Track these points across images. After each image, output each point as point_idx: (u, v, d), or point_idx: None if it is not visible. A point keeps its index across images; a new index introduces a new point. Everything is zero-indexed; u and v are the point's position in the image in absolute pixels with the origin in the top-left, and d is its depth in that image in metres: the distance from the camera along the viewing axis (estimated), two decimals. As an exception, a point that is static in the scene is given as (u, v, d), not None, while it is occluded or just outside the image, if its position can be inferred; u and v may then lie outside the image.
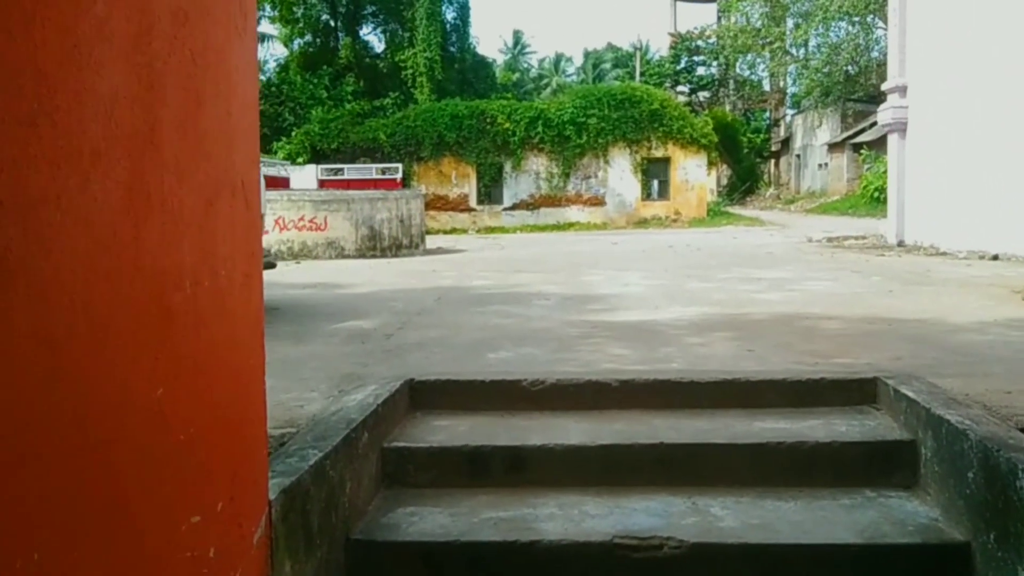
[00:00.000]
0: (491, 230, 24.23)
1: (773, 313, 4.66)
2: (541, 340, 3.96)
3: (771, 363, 3.36)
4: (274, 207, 10.78)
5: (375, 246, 11.39)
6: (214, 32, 1.64)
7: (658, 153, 24.68)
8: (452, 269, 8.59)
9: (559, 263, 9.26)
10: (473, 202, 25.01)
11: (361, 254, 11.19)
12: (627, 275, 7.41)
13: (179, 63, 1.49)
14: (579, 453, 2.64)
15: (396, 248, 11.66)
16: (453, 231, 24.34)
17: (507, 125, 24.43)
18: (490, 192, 25.15)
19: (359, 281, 7.27)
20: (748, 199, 41.40)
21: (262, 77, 36.72)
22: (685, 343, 3.80)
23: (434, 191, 24.81)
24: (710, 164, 26.37)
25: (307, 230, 10.87)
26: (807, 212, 31.64)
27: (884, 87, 10.74)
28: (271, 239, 10.76)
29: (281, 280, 7.36)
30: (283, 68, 35.20)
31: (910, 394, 2.62)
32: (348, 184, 22.80)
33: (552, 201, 24.75)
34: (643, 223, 24.13)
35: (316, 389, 3.14)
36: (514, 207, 24.87)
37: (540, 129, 24.50)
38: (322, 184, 22.75)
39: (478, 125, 24.57)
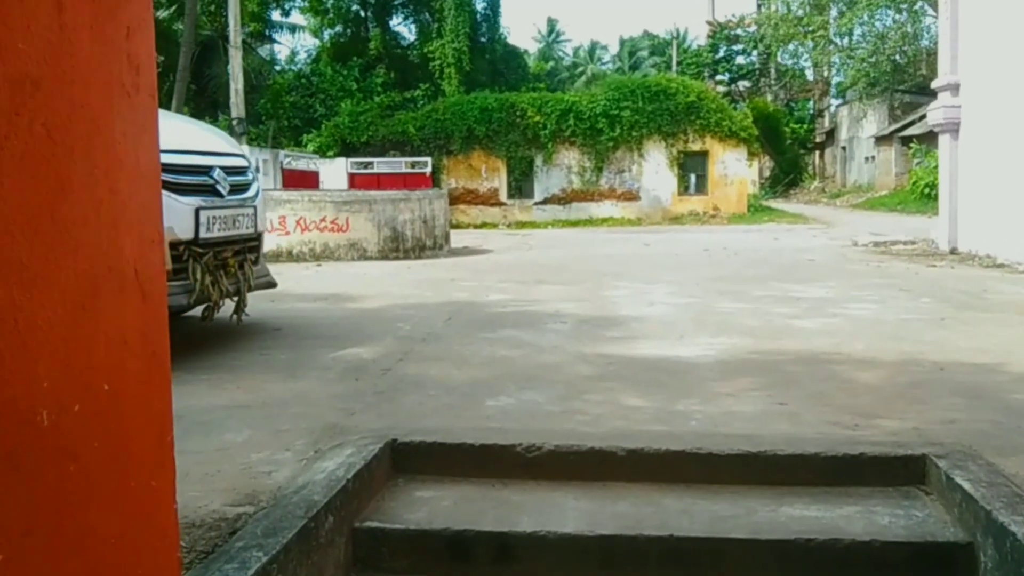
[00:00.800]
0: (522, 225, 23.89)
1: (811, 350, 4.24)
2: (548, 382, 3.61)
3: (804, 422, 2.97)
4: (295, 208, 10.55)
5: (398, 247, 11.10)
6: (85, 98, 1.30)
7: (695, 147, 24.08)
8: (472, 277, 8.25)
9: (584, 271, 8.87)
10: (503, 196, 24.68)
11: (383, 256, 10.91)
12: (654, 290, 7.00)
13: (24, 144, 1.16)
14: (575, 544, 2.28)
15: (419, 250, 11.36)
16: (483, 225, 24.06)
17: (537, 118, 24.02)
18: (521, 186, 24.79)
19: (372, 292, 6.97)
20: (792, 192, 40.49)
21: (293, 67, 36.76)
22: (708, 391, 3.42)
23: (464, 185, 24.55)
24: (751, 156, 25.66)
25: (329, 231, 10.62)
26: (853, 207, 30.78)
27: (934, 85, 10.14)
28: (292, 240, 10.53)
29: (293, 290, 7.09)
30: (314, 59, 35.16)
31: (966, 485, 2.22)
32: (378, 178, 22.64)
33: (584, 196, 24.32)
34: (679, 219, 23.60)
35: (291, 447, 2.83)
36: (545, 202, 24.49)
37: (572, 122, 24.05)
38: (351, 178, 22.61)
39: (508, 118, 24.19)
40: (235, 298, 4.43)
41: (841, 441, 2.70)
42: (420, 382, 3.64)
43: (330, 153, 23.89)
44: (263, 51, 37.10)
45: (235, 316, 4.41)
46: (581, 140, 24.16)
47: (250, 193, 4.61)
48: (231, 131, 21.06)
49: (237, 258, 4.42)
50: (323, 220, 10.61)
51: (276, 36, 37.01)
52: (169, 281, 3.91)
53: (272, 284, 4.92)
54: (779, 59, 41.49)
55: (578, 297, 6.53)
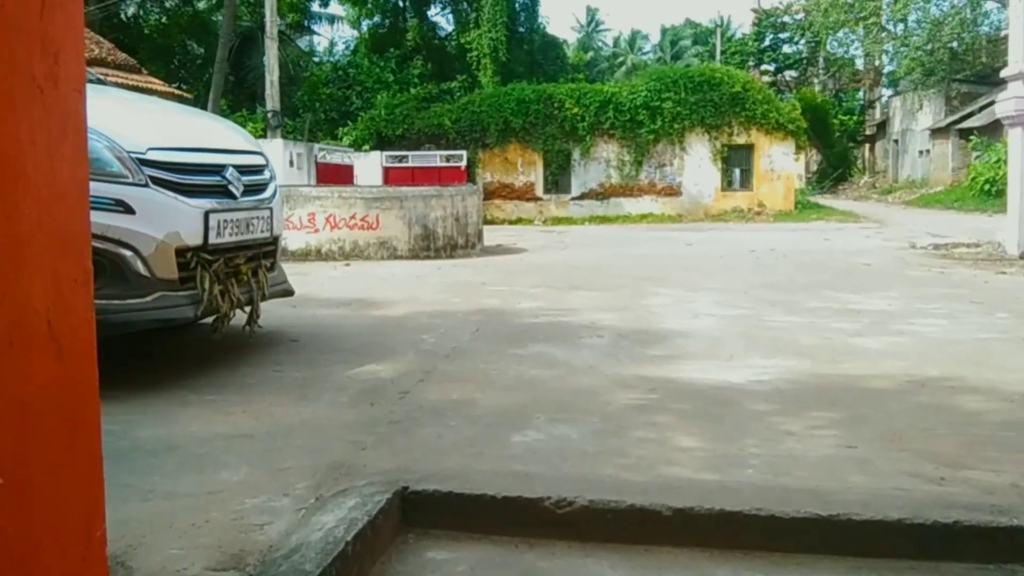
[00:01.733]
0: (558, 221, 23.48)
1: (878, 375, 3.81)
2: (582, 412, 3.24)
3: (879, 472, 2.56)
4: (324, 204, 10.28)
5: (429, 246, 10.79)
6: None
7: (740, 140, 23.42)
8: (503, 280, 7.89)
9: (622, 274, 8.46)
10: (540, 191, 24.29)
11: (414, 255, 10.61)
12: (698, 298, 6.57)
13: None
14: (612, 630, 1.92)
15: (451, 248, 11.04)
16: (519, 221, 23.71)
17: (576, 110, 23.55)
18: (557, 181, 24.37)
19: (399, 298, 6.65)
20: (840, 187, 39.43)
21: (331, 59, 36.66)
22: (765, 428, 3.01)
23: (499, 179, 24.21)
24: (799, 150, 24.89)
25: (358, 229, 10.34)
26: (906, 204, 29.81)
27: (1004, 74, 9.48)
28: (322, 238, 10.27)
29: (317, 294, 6.81)
30: (353, 50, 35.03)
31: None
32: (412, 172, 22.40)
33: (623, 191, 23.82)
34: (722, 216, 23.00)
35: (291, 491, 2.50)
36: (582, 197, 24.04)
37: (611, 114, 23.53)
38: (386, 172, 22.40)
39: (545, 110, 23.76)
40: (248, 308, 4.12)
41: (927, 502, 2.28)
42: (440, 409, 3.29)
43: (365, 147, 23.70)
44: (302, 42, 37.11)
45: (247, 327, 4.11)
46: (620, 133, 23.64)
47: (266, 194, 4.30)
48: (266, 124, 20.96)
49: (250, 265, 4.11)
50: (353, 217, 10.34)
51: (315, 27, 37.00)
52: (175, 291, 3.62)
53: (289, 292, 4.61)
54: (828, 47, 40.34)
55: (616, 306, 6.13)
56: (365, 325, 5.27)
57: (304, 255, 10.25)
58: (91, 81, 4.52)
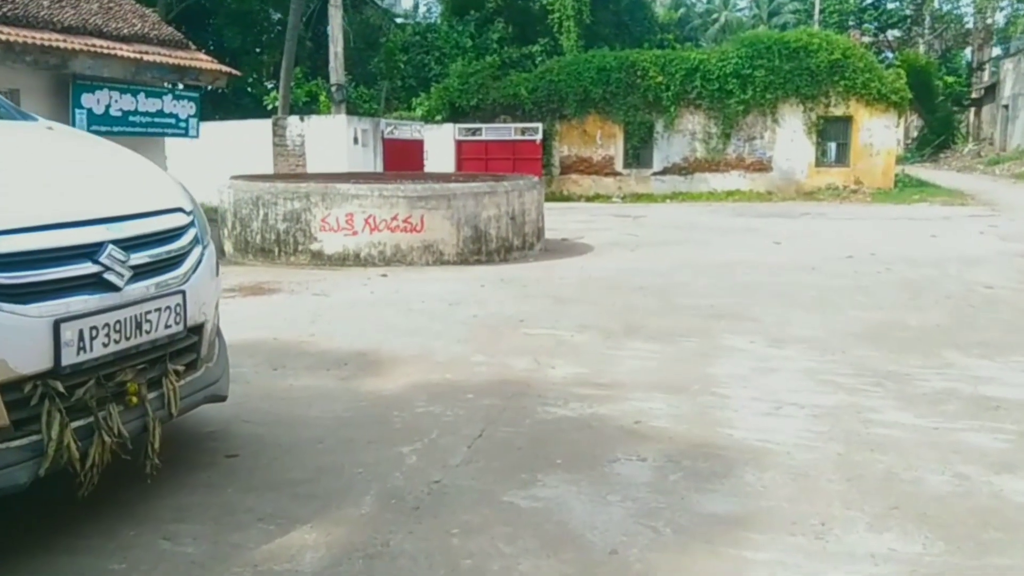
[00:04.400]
0: (638, 197, 21.94)
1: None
2: None
3: None
4: (364, 204, 9.19)
5: (480, 249, 9.58)
6: None
7: (838, 111, 21.24)
8: (547, 314, 6.60)
9: (693, 303, 7.03)
10: (619, 165, 22.74)
11: (463, 259, 9.43)
12: (783, 362, 5.15)
13: None
14: None
15: (505, 251, 9.81)
16: (596, 197, 22.28)
17: (660, 79, 21.77)
18: (639, 154, 22.74)
19: (411, 350, 5.47)
20: (942, 155, 36.19)
21: (411, 21, 35.40)
22: None
23: (577, 153, 22.77)
24: (899, 114, 22.50)
25: (401, 231, 9.22)
26: (1016, 178, 26.89)
27: None
28: (360, 242, 9.20)
29: (317, 342, 5.73)
30: (435, 13, 33.73)
31: None
32: (486, 146, 21.19)
33: (709, 166, 22.02)
34: (814, 194, 20.98)
35: None
36: (664, 172, 22.37)
37: (698, 83, 21.69)
38: (458, 145, 21.28)
39: (627, 79, 22.07)
40: (150, 435, 2.99)
41: None
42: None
43: (438, 118, 22.54)
44: (388, 4, 36.03)
45: (147, 463, 2.98)
46: (708, 103, 21.77)
47: (179, 270, 3.15)
48: (329, 98, 20.02)
49: (147, 377, 2.99)
50: (395, 219, 9.20)
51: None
52: (4, 441, 2.53)
53: (219, 397, 3.47)
54: (935, 3, 36.77)
55: (674, 380, 4.78)
56: (340, 419, 4.11)
57: (341, 260, 9.22)
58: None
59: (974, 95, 39.02)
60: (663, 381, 4.77)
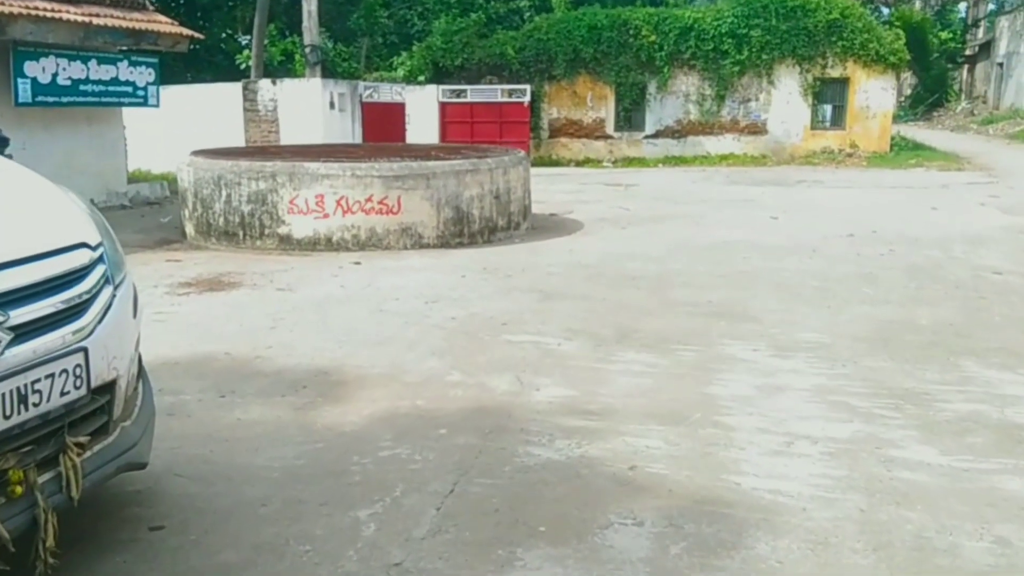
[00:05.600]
0: (629, 161, 21.29)
1: None
2: None
3: None
4: (335, 184, 8.58)
5: (462, 231, 9.02)
6: None
7: (835, 73, 20.56)
8: (533, 314, 6.08)
9: (691, 298, 6.52)
10: (610, 128, 22.02)
11: (443, 242, 8.87)
12: (790, 377, 4.66)
13: None
14: None
15: (489, 233, 9.25)
16: (586, 162, 21.61)
17: (653, 38, 20.97)
18: (630, 117, 22.02)
19: (379, 367, 4.95)
20: (935, 114, 35.51)
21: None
22: None
23: (566, 115, 22.02)
24: (897, 76, 21.82)
25: (376, 213, 8.63)
26: (1010, 139, 26.35)
27: None
28: (332, 225, 8.61)
29: (275, 354, 5.21)
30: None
31: None
32: (471, 108, 20.43)
33: (702, 129, 21.34)
34: (810, 158, 20.38)
35: None
36: (657, 135, 21.68)
37: (692, 43, 20.91)
38: (442, 108, 20.51)
39: (619, 38, 21.24)
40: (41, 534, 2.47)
41: None
42: None
43: (421, 78, 21.67)
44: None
45: (37, 565, 2.46)
46: (702, 64, 21.01)
47: (82, 321, 2.61)
48: (304, 60, 19.09)
49: (37, 456, 2.47)
50: (369, 200, 8.61)
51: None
52: None
53: (138, 465, 2.94)
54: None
55: (672, 407, 4.28)
56: (291, 469, 3.58)
57: (312, 245, 8.64)
58: None
59: (968, 52, 38.18)
60: (660, 407, 4.27)
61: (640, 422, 4.07)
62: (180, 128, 17.36)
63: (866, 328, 5.71)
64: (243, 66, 23.65)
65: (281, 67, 24.79)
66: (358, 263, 8.02)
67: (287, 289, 6.90)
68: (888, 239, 9.15)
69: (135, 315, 3.02)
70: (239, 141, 17.20)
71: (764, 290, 6.81)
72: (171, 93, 18.25)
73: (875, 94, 20.31)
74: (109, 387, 2.75)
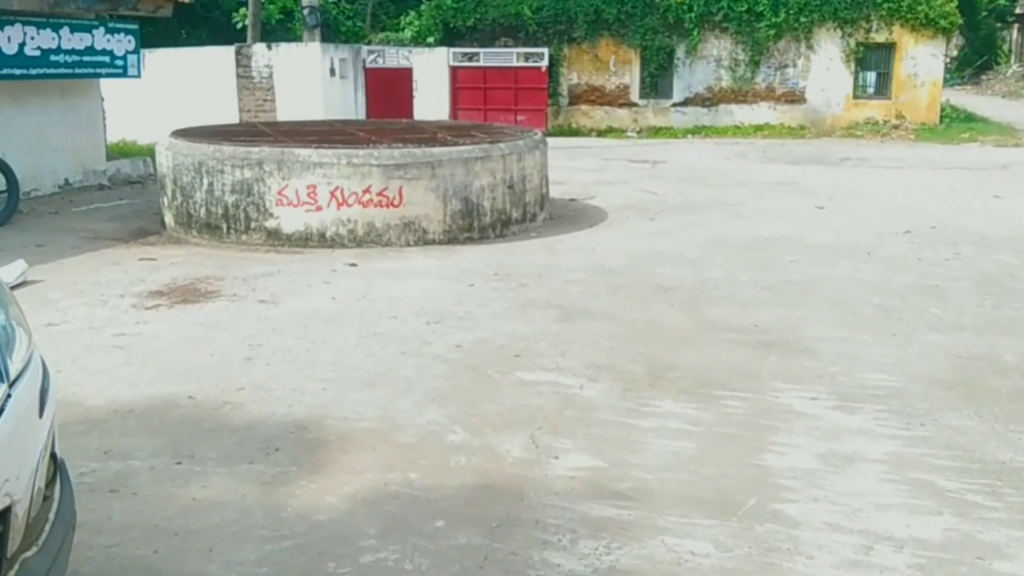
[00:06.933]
0: (656, 132, 20.23)
1: None
2: None
3: None
4: (328, 173, 7.76)
5: (471, 225, 8.19)
6: None
7: (879, 37, 19.25)
8: (550, 341, 5.26)
9: (732, 320, 5.67)
10: (635, 95, 20.91)
11: (450, 238, 8.06)
12: (858, 427, 3.84)
13: None
14: None
15: (502, 226, 8.42)
16: (609, 132, 20.58)
17: (682, -2, 19.71)
18: (656, 83, 20.89)
19: (364, 423, 4.19)
20: (983, 77, 33.81)
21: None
22: None
23: (587, 81, 20.93)
24: (947, 40, 20.41)
25: (375, 206, 7.82)
26: (1062, 106, 24.89)
27: None
28: (325, 219, 7.81)
29: (231, 408, 4.49)
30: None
31: None
32: (484, 73, 19.42)
33: (735, 96, 20.18)
34: (852, 129, 19.22)
35: None
36: (686, 103, 20.55)
37: (724, 3, 19.70)
38: (453, 72, 19.49)
39: (645, -3, 20.01)
40: None
41: None
42: None
43: (430, 40, 20.58)
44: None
45: None
46: (735, 26, 19.78)
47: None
48: (302, 22, 17.98)
49: None
50: (367, 191, 7.78)
51: None
52: None
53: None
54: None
55: (721, 488, 3.48)
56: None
57: (303, 240, 7.85)
58: None
59: (1019, 11, 36.26)
60: (705, 486, 3.48)
61: (683, 511, 3.29)
62: (169, 96, 16.39)
63: (941, 367, 4.86)
64: (239, 25, 22.53)
65: (280, 26, 23.58)
66: (353, 264, 7.22)
67: (270, 301, 6.13)
68: (950, 238, 8.21)
69: (42, 413, 2.26)
70: (232, 110, 16.29)
71: (817, 308, 5.95)
72: (158, 57, 17.29)
73: (923, 60, 19.01)
74: (2, 516, 1.99)
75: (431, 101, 18.94)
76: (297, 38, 19.95)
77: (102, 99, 11.94)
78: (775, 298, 6.18)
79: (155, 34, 23.09)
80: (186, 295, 6.27)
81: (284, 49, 16.49)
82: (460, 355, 4.99)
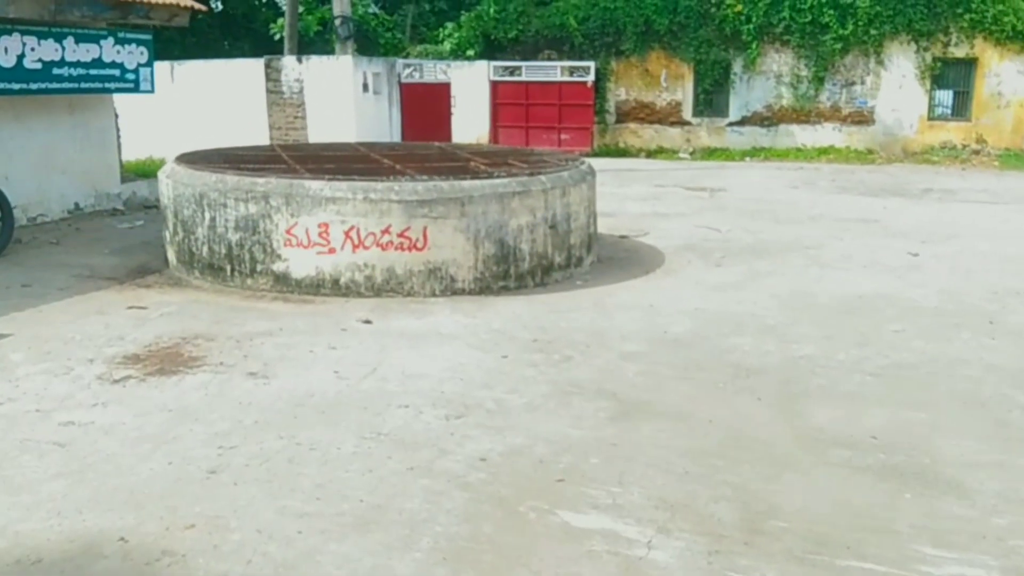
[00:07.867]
0: (710, 153, 18.89)
1: None
2: None
3: None
4: (343, 210, 6.62)
5: (507, 272, 6.99)
6: None
7: (959, 52, 17.70)
8: (606, 447, 4.02)
9: (843, 425, 4.36)
10: (688, 113, 19.60)
11: (483, 287, 6.87)
12: None
13: None
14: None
15: (543, 272, 7.21)
16: (659, 152, 19.28)
17: (739, 7, 18.45)
18: (711, 100, 19.57)
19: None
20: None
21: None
22: None
23: (636, 97, 19.69)
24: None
25: (396, 249, 6.66)
26: None
27: None
28: (339, 262, 6.67)
29: (172, 566, 3.30)
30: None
31: None
32: (526, 88, 18.28)
33: (797, 116, 18.78)
34: (927, 154, 17.66)
35: None
36: (743, 122, 19.19)
37: (786, 14, 18.30)
38: (494, 87, 18.38)
39: (699, 7, 18.81)
40: None
41: None
42: None
43: (469, 53, 19.51)
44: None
45: None
46: (797, 39, 18.38)
47: None
48: (334, 33, 17.02)
49: None
50: (386, 231, 6.63)
51: None
52: None
53: None
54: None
55: None
56: None
57: (315, 287, 6.73)
58: None
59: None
60: None
61: None
62: (198, 111, 15.60)
63: None
64: (276, 36, 21.72)
65: (319, 38, 22.74)
66: (368, 321, 6.06)
67: (260, 375, 4.98)
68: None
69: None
70: (262, 127, 15.33)
71: (947, 409, 4.61)
72: (187, 70, 16.48)
73: (1009, 78, 17.36)
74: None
75: (470, 118, 17.83)
76: (334, 51, 19.05)
77: (116, 115, 11.02)
78: (889, 392, 4.85)
79: (197, 45, 22.42)
80: (164, 362, 5.16)
81: (315, 62, 15.48)
82: (485, 476, 3.77)
